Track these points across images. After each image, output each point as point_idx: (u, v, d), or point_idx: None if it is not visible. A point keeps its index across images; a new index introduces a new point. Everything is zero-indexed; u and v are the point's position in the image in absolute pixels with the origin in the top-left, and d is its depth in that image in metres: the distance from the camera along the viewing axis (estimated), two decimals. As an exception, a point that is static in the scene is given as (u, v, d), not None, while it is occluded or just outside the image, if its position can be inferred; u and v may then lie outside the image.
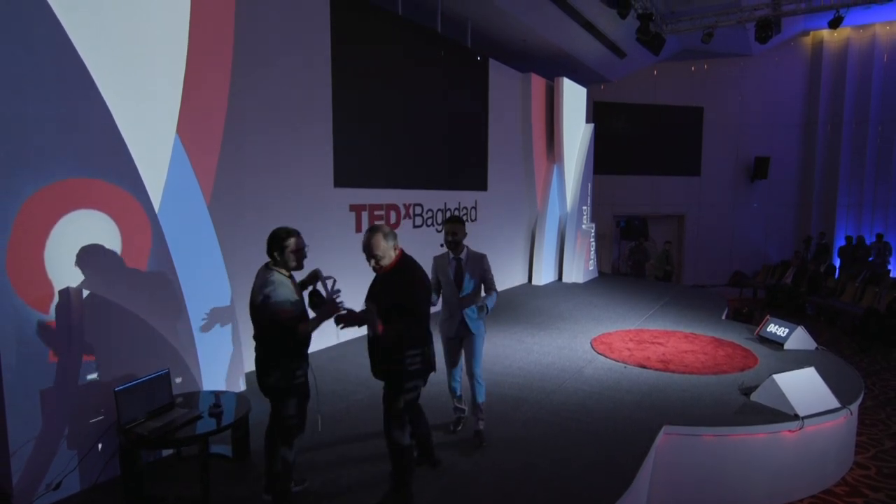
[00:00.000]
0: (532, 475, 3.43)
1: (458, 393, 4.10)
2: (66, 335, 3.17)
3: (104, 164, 3.43)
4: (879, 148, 14.02)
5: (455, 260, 3.89)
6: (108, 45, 3.48)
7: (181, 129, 4.07)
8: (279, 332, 2.89)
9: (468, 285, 3.84)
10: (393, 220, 7.25)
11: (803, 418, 4.20)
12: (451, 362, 4.01)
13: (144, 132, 3.76)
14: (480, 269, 3.90)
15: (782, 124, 14.51)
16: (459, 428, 4.06)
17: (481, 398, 3.91)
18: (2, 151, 2.92)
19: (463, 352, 3.99)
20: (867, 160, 14.06)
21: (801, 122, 14.59)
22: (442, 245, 3.88)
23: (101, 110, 3.38)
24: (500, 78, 9.51)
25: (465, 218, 8.83)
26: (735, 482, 4.14)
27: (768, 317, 6.86)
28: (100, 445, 3.26)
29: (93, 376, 3.25)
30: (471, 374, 3.92)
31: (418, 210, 7.76)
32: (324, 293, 3.06)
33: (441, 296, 3.95)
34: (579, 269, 11.08)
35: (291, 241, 2.98)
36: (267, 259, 3.06)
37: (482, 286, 3.97)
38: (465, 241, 3.97)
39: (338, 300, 2.98)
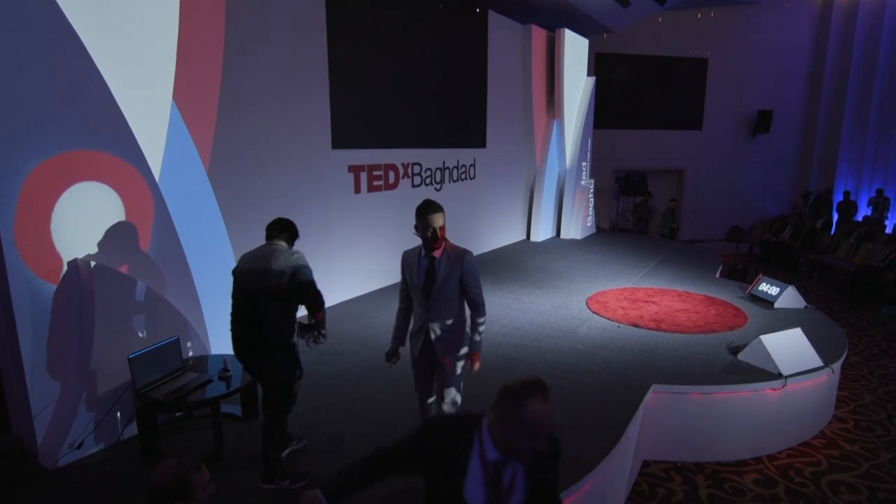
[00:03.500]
0: (526, 433, 3.63)
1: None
2: (77, 304, 3.28)
3: (103, 135, 3.45)
4: (884, 101, 13.79)
5: (427, 258, 2.94)
6: (101, 16, 3.42)
7: (177, 97, 4.05)
8: (315, 302, 3.04)
9: (440, 292, 2.91)
10: (392, 179, 7.26)
11: (787, 377, 4.40)
12: (420, 390, 3.13)
13: (141, 101, 3.75)
14: (460, 271, 2.94)
15: (787, 76, 14.21)
16: None
17: None
18: (1, 127, 2.94)
19: (435, 380, 3.09)
20: (871, 114, 13.87)
21: (806, 74, 14.28)
22: (416, 232, 2.97)
23: (97, 81, 3.37)
24: (500, 30, 9.26)
25: (463, 176, 8.83)
26: (718, 437, 4.38)
27: (760, 275, 7.00)
28: (118, 410, 3.44)
29: (106, 343, 3.38)
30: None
31: (416, 169, 7.75)
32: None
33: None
34: (577, 226, 11.16)
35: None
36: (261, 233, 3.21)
37: (464, 296, 3.00)
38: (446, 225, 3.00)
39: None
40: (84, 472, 3.21)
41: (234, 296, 3.07)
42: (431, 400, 3.16)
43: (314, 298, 3.02)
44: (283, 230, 3.16)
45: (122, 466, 3.27)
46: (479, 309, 3.02)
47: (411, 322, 3.11)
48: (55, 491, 3.05)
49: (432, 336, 2.95)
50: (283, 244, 3.13)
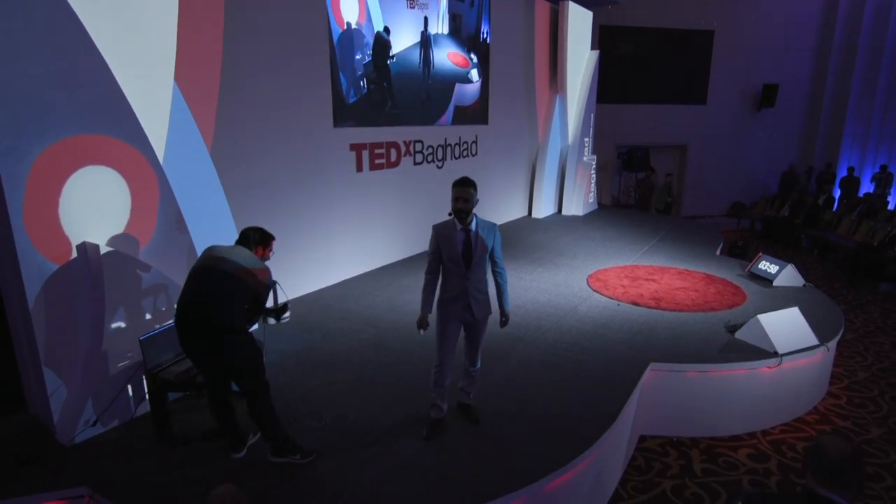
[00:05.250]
0: (526, 413, 3.73)
1: (446, 383, 3.45)
2: (87, 287, 3.34)
3: (106, 119, 3.46)
4: (891, 76, 13.59)
5: (463, 231, 3.28)
6: (100, -5, 3.40)
7: (179, 78, 4.04)
8: (262, 303, 3.14)
9: (478, 262, 3.31)
10: (393, 157, 7.25)
11: (782, 356, 4.48)
12: (446, 350, 3.39)
13: (143, 84, 3.75)
14: (492, 242, 3.37)
15: (794, 49, 13.97)
16: (433, 436, 3.42)
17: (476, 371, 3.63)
18: (6, 112, 2.96)
19: (465, 338, 3.50)
20: (878, 89, 13.68)
21: (813, 48, 14.04)
22: (450, 214, 3.29)
23: (99, 65, 3.36)
24: (503, 4, 9.10)
25: (465, 153, 8.80)
26: (714, 414, 4.49)
27: (760, 254, 7.04)
28: (129, 388, 3.54)
29: (117, 324, 3.46)
30: (473, 361, 3.57)
31: (419, 147, 7.73)
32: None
33: (442, 273, 3.38)
34: (579, 202, 11.15)
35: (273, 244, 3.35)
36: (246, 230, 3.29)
37: (489, 261, 3.43)
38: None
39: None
40: (99, 449, 3.32)
41: (190, 280, 2.98)
42: (450, 360, 3.43)
43: (260, 303, 3.11)
44: (249, 239, 3.21)
45: (136, 443, 3.38)
46: (506, 275, 3.52)
47: (440, 290, 3.41)
48: (72, 466, 3.16)
49: (471, 300, 3.33)
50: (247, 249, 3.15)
